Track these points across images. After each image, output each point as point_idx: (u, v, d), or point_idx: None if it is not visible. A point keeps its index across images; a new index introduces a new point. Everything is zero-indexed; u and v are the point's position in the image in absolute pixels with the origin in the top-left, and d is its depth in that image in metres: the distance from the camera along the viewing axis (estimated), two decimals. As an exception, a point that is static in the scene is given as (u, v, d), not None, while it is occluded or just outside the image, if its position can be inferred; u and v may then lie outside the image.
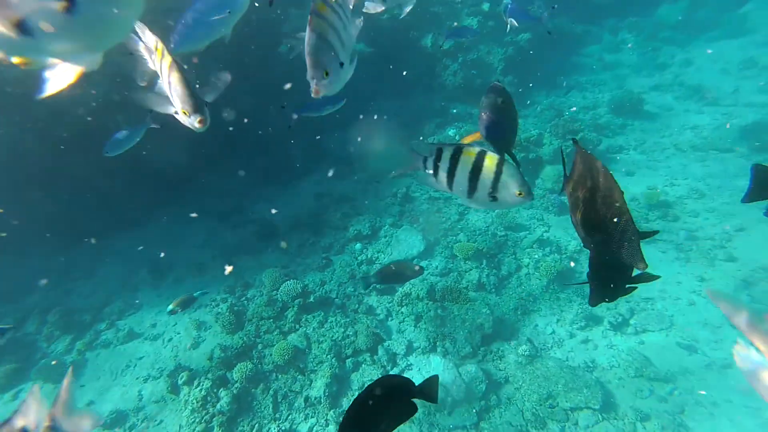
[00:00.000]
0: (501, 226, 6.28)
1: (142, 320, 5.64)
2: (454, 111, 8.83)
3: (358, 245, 6.26)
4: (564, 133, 7.14)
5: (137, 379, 4.97)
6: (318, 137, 8.47)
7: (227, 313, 5.34)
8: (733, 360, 1.81)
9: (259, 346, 4.94)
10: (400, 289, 5.53)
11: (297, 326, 5.19)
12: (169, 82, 1.86)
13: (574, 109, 8.43)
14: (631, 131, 7.95)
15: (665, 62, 9.77)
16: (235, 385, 4.57)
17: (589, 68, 10.15)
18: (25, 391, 4.98)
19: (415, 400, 1.72)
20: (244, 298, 5.70)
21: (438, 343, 4.79)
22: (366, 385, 1.74)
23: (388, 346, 4.91)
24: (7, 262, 6.26)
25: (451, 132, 7.89)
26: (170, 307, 4.60)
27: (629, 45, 10.53)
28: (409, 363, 4.69)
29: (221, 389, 4.56)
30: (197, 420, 4.36)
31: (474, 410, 4.03)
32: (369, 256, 6.09)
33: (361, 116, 9.24)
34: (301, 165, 8.15)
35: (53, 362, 5.14)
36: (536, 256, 5.75)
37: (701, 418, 3.90)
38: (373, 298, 5.53)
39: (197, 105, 1.85)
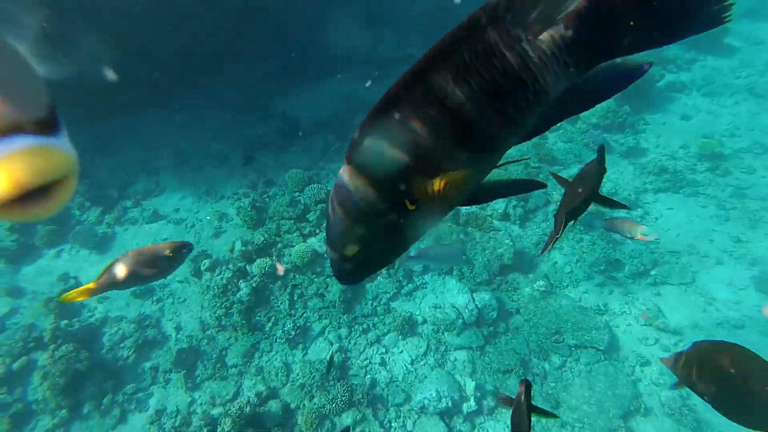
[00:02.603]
0: (535, 157, 5.94)
1: (166, 203, 5.71)
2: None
3: (385, 157, 6.02)
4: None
5: (161, 258, 5.18)
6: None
7: (249, 208, 5.35)
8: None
9: (279, 245, 5.02)
10: (423, 208, 5.44)
11: (317, 230, 5.22)
12: None
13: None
14: (700, 68, 7.10)
15: None
16: (255, 279, 4.74)
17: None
18: (65, 251, 5.26)
19: None
20: (266, 195, 5.66)
21: (455, 267, 4.83)
22: None
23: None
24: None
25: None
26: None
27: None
28: (424, 281, 4.78)
29: (241, 280, 4.74)
30: (218, 305, 4.61)
31: (482, 334, 4.19)
32: (395, 169, 5.89)
33: (393, 13, 8.32)
34: (331, 62, 7.55)
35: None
36: (568, 194, 5.52)
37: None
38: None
39: None
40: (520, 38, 0.77)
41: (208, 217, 5.44)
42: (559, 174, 1.98)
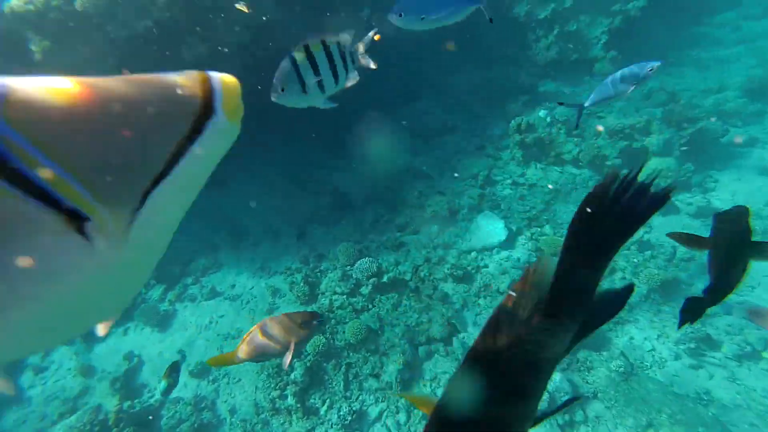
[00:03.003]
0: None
1: (224, 279, 5.89)
2: (543, 89, 8.05)
3: (435, 227, 6.01)
4: (679, 120, 6.22)
5: (218, 335, 5.24)
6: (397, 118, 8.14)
7: (301, 284, 5.40)
8: None
9: (332, 321, 4.96)
10: (479, 279, 5.26)
11: (370, 305, 5.13)
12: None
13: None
14: (769, 120, 6.78)
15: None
16: (308, 358, 4.64)
17: (715, 41, 8.74)
18: (131, 329, 5.47)
19: None
20: (317, 270, 5.72)
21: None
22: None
23: (464, 338, 4.72)
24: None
25: (541, 113, 7.19)
26: (162, 384, 3.76)
27: None
28: (485, 359, 4.47)
29: (295, 359, 4.66)
30: (272, 385, 4.50)
31: (557, 423, 3.77)
32: (446, 240, 5.83)
33: (438, 87, 8.76)
34: (373, 136, 7.92)
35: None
36: (635, 260, 5.17)
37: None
38: (449, 286, 5.32)
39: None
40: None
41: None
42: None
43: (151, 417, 4.52)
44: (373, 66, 2.41)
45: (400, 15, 2.79)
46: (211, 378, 4.87)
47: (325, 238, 6.21)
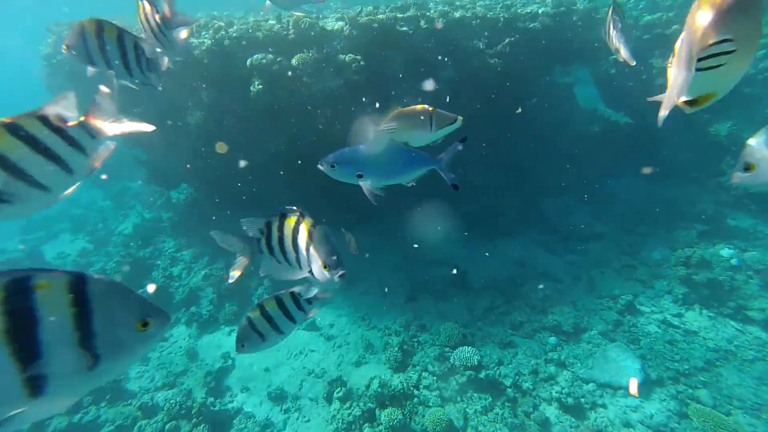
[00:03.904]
0: (773, 405, 4.36)
1: (325, 316, 6.09)
2: (734, 223, 6.78)
3: (553, 338, 5.33)
4: None
5: (304, 368, 5.34)
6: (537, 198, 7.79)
7: (396, 349, 5.25)
8: None
9: (415, 400, 4.63)
10: (593, 417, 4.40)
11: (459, 398, 4.68)
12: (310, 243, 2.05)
13: None
14: None
15: None
16: (380, 428, 4.37)
17: None
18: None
19: None
20: (415, 340, 5.51)
21: None
22: None
23: (557, 485, 3.91)
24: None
25: (725, 253, 5.99)
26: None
27: None
28: None
29: (367, 424, 4.43)
30: (337, 442, 4.33)
31: None
32: (561, 357, 5.09)
33: (595, 187, 8.14)
34: (509, 223, 7.61)
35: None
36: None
37: None
38: (553, 411, 4.56)
39: (338, 261, 2.05)
40: None
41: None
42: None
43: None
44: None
45: (333, 166, 2.51)
46: (285, 407, 4.93)
47: (432, 310, 6.02)
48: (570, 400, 4.58)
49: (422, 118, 2.52)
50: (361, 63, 6.45)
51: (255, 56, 5.79)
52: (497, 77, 6.83)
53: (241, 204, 6.84)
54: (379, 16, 6.56)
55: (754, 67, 7.52)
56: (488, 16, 7.04)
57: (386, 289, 6.42)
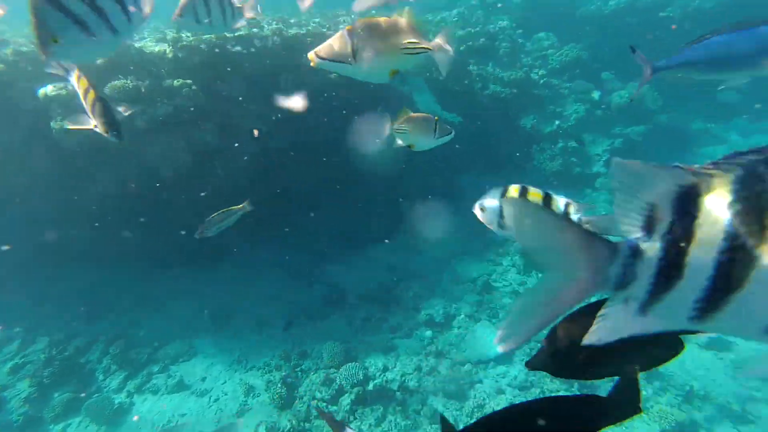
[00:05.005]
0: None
1: (194, 369, 5.40)
2: (548, 197, 8.18)
3: (429, 332, 5.65)
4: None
5: (175, 440, 4.63)
6: (401, 199, 8.27)
7: (279, 384, 4.93)
8: None
9: (306, 435, 4.40)
10: (473, 397, 4.78)
11: (351, 417, 4.60)
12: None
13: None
14: None
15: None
16: (273, 477, 4.03)
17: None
18: (72, 426, 4.82)
19: None
20: (299, 369, 5.26)
21: None
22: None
23: (452, 472, 4.12)
24: (100, 278, 6.47)
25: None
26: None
27: None
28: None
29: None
30: None
31: None
32: (439, 347, 5.43)
33: (447, 187, 8.97)
34: (377, 229, 7.90)
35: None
36: (645, 392, 4.71)
37: None
38: (440, 401, 4.82)
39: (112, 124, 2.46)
40: None
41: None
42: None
43: None
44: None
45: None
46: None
47: (312, 333, 5.83)
48: (451, 386, 4.90)
49: (430, 125, 2.83)
50: (193, 87, 5.95)
51: (47, 87, 4.84)
52: (340, 90, 7.00)
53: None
54: (206, 37, 6.13)
55: (537, 74, 9.26)
56: (322, 32, 7.18)
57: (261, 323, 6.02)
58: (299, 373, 5.20)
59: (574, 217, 1.95)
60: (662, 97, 8.89)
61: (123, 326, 5.95)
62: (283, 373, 5.15)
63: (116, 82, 5.39)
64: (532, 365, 1.21)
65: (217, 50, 6.07)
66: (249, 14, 3.21)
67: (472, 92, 8.96)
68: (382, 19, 2.02)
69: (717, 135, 10.02)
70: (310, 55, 1.99)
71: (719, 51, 2.35)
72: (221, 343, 5.77)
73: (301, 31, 6.94)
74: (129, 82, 5.52)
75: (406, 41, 2.01)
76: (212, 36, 6.11)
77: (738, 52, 2.30)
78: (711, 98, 10.29)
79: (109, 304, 6.23)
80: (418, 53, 2.07)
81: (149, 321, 6.09)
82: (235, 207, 3.89)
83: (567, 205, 1.97)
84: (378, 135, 3.00)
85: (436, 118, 2.87)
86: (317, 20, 7.52)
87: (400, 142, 2.92)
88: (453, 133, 2.91)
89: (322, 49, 1.99)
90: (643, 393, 4.71)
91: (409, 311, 5.98)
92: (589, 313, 1.08)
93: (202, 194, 6.01)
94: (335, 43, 1.97)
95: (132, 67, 5.74)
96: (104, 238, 6.20)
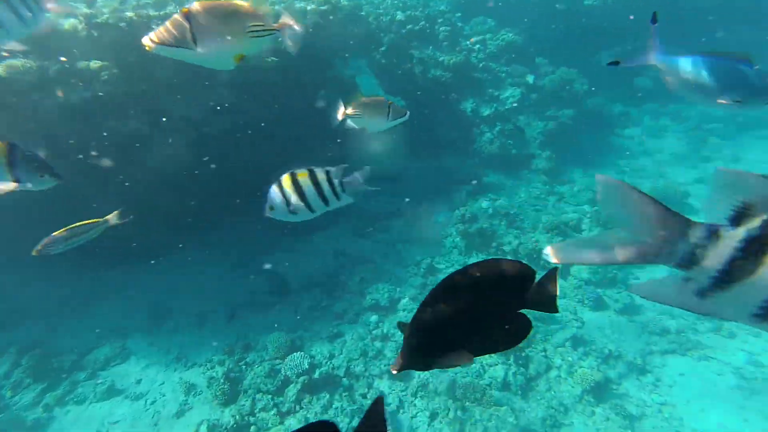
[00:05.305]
0: (530, 316, 5.69)
1: (128, 373, 5.11)
2: (487, 180, 8.50)
3: (374, 317, 5.73)
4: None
5: (106, 450, 4.38)
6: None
7: (221, 380, 4.79)
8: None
9: (252, 428, 4.34)
10: (417, 376, 4.94)
11: (297, 407, 4.60)
12: None
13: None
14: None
15: (710, 155, 9.43)
16: (218, 474, 3.96)
17: (629, 150, 9.86)
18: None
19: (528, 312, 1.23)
20: (243, 363, 5.15)
21: None
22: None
23: (398, 450, 4.27)
24: (11, 282, 5.85)
25: (484, 204, 7.50)
26: None
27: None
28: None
29: None
30: None
31: None
32: (384, 331, 5.54)
33: (390, 172, 9.01)
34: (322, 216, 7.80)
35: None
36: (570, 359, 5.13)
37: None
38: (385, 384, 4.94)
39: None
40: None
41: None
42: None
43: None
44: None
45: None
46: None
47: (256, 324, 5.71)
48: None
49: (383, 109, 3.00)
50: (114, 71, 5.44)
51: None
52: (279, 76, 6.72)
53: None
54: (127, 14, 5.59)
55: (477, 58, 9.46)
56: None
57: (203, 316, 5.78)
58: (243, 366, 5.09)
59: (336, 179, 2.56)
60: (588, 83, 9.43)
61: (40, 333, 5.46)
62: (226, 368, 5.02)
63: (14, 61, 4.79)
64: (399, 368, 1.22)
65: (140, 29, 5.56)
66: (52, 5, 2.57)
67: (414, 76, 8.99)
68: (220, 1, 1.92)
69: (633, 117, 10.86)
70: (145, 40, 1.85)
71: (707, 75, 2.46)
72: (158, 342, 5.49)
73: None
74: (32, 62, 4.93)
75: (251, 24, 1.93)
76: (133, 14, 5.60)
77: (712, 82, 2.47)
78: (629, 84, 11.12)
79: (24, 311, 5.68)
80: (264, 35, 2.02)
81: (73, 325, 5.64)
82: (96, 220, 3.19)
83: (327, 172, 2.54)
84: (331, 120, 3.09)
85: (389, 102, 2.99)
86: None
87: (353, 125, 3.06)
88: (408, 114, 3.06)
89: (158, 33, 1.85)
90: (570, 359, 5.15)
91: (355, 297, 6.01)
92: (433, 304, 1.17)
93: (127, 184, 5.60)
94: (171, 26, 1.85)
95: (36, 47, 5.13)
96: (16, 237, 5.61)
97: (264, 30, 1.96)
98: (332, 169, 2.55)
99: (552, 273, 1.20)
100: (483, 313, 1.17)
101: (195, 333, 5.60)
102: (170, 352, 5.32)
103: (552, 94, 9.28)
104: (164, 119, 5.96)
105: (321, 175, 2.52)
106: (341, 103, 3.02)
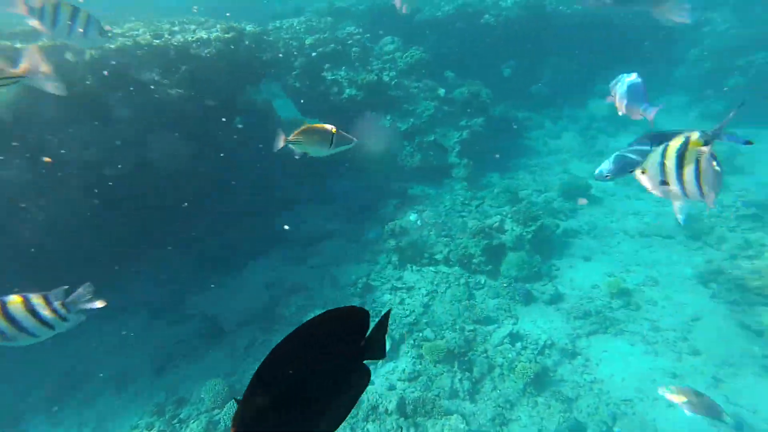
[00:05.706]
0: (469, 320, 5.92)
1: (36, 459, 4.41)
2: (411, 192, 8.77)
3: (316, 345, 5.56)
4: (525, 219, 7.20)
5: None
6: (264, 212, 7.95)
7: (152, 446, 4.33)
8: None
9: (192, 493, 3.95)
10: (366, 401, 4.86)
11: (242, 458, 4.27)
12: None
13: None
14: (581, 215, 8.25)
15: (602, 150, 10.62)
16: None
17: (535, 151, 10.78)
18: None
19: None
20: (176, 420, 4.70)
21: None
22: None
23: (353, 481, 4.14)
24: None
25: (412, 217, 7.71)
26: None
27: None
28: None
29: None
30: None
31: None
32: (328, 358, 5.39)
33: (315, 194, 8.94)
34: (249, 247, 7.49)
35: None
36: (510, 356, 5.39)
37: None
38: (334, 414, 4.79)
39: None
40: None
41: None
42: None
43: None
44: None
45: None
46: None
47: (189, 374, 5.26)
48: (344, 394, 4.90)
49: (326, 135, 3.10)
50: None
51: None
52: (187, 105, 6.39)
53: None
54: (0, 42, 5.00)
55: (389, 76, 9.81)
56: (154, 44, 6.42)
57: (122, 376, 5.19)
58: (177, 425, 4.65)
59: (56, 302, 2.51)
60: (491, 93, 10.19)
61: None
62: (158, 430, 4.54)
63: None
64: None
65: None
66: None
67: (329, 96, 9.06)
68: None
69: (536, 121, 11.94)
70: None
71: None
72: (67, 419, 4.81)
73: (128, 43, 6.11)
74: None
75: None
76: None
77: None
78: (527, 92, 12.25)
79: None
80: (8, 84, 1.94)
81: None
82: None
83: (45, 297, 2.44)
84: (273, 146, 3.17)
85: (333, 129, 3.12)
86: (140, 29, 6.71)
87: (296, 150, 3.18)
88: (354, 142, 3.22)
89: None
90: (509, 356, 5.40)
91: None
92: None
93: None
94: None
95: None
96: None
97: (6, 78, 1.85)
98: (50, 293, 2.42)
99: (383, 319, 1.17)
100: (316, 388, 1.04)
101: (115, 398, 5.01)
102: (84, 428, 4.69)
103: (463, 105, 9.87)
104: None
105: (37, 299, 2.36)
106: (281, 132, 3.14)
